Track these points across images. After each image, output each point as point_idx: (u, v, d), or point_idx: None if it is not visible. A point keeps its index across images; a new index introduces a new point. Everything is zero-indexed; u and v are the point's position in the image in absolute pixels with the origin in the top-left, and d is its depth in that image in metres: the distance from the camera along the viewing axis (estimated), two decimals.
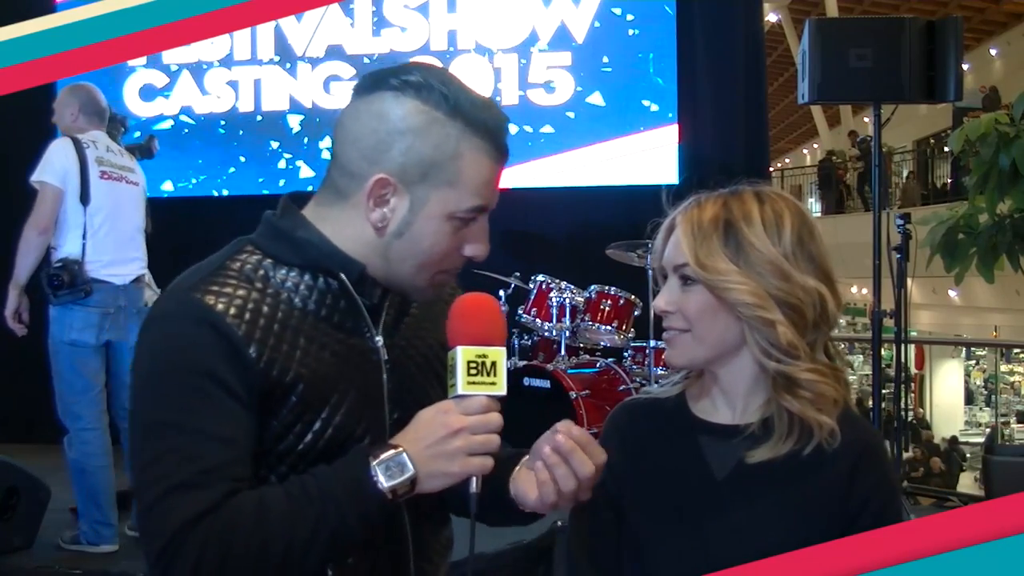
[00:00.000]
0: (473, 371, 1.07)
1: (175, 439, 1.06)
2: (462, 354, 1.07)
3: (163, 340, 1.11)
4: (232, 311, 1.09)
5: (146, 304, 3.54)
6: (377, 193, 1.14)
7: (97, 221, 3.43)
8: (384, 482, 1.06)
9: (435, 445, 1.07)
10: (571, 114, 5.64)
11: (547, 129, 5.62)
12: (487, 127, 1.14)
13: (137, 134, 5.01)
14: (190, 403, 1.06)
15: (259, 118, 5.92)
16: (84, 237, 3.41)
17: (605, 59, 5.63)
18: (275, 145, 5.91)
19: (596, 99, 5.64)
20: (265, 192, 5.86)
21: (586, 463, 1.10)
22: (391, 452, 1.07)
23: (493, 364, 1.08)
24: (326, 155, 5.85)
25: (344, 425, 1.15)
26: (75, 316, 3.39)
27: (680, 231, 1.26)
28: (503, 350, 1.09)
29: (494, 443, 1.08)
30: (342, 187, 1.17)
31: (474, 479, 1.08)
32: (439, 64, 1.34)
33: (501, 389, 1.08)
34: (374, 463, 1.06)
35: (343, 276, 1.16)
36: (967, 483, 10.51)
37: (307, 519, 1.05)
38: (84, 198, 3.41)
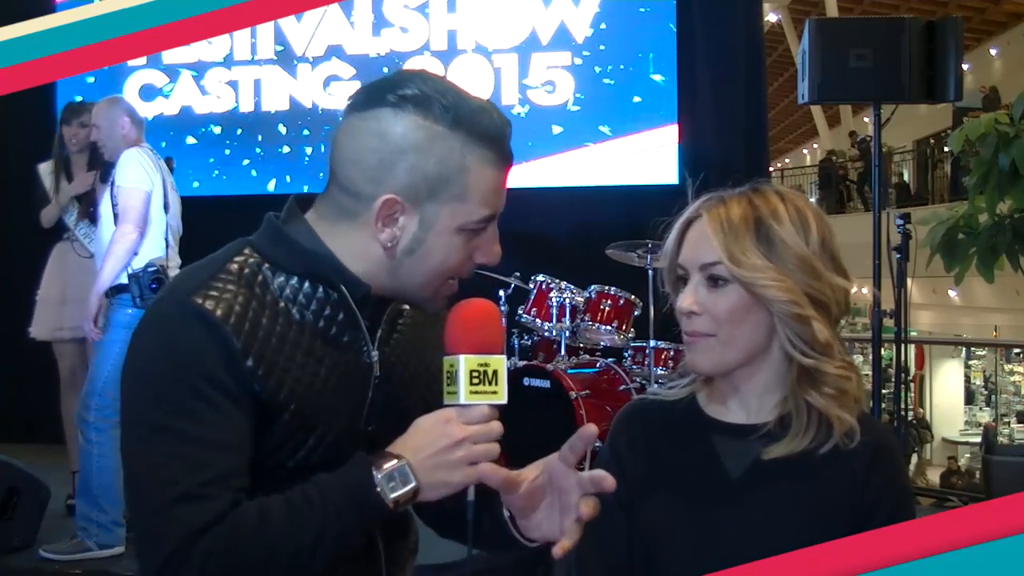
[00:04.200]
0: (475, 380, 1.06)
1: (179, 446, 1.05)
2: (464, 363, 1.06)
3: (163, 342, 1.09)
4: (232, 319, 1.08)
5: None
6: (386, 214, 1.12)
7: (173, 228, 3.53)
8: (388, 493, 1.06)
9: (437, 455, 1.07)
10: (571, 114, 5.64)
11: (547, 129, 5.61)
12: (490, 135, 1.12)
13: None
14: (192, 408, 1.05)
15: (259, 118, 5.92)
16: (167, 243, 3.48)
17: (605, 59, 5.63)
18: (275, 145, 5.91)
19: (596, 99, 5.64)
20: (264, 193, 5.86)
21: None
22: (394, 463, 1.06)
23: (495, 373, 1.07)
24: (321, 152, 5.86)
25: (335, 443, 1.14)
26: None
27: (708, 229, 1.23)
28: (503, 358, 1.08)
29: (495, 452, 1.08)
30: (347, 207, 1.14)
31: (471, 487, 1.08)
32: (439, 65, 1.36)
33: (502, 398, 1.07)
34: (377, 475, 1.06)
35: (346, 292, 1.14)
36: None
37: (310, 529, 1.05)
38: (165, 205, 3.50)
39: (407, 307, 1.25)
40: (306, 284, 1.14)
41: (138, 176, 3.40)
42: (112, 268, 3.36)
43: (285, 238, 1.15)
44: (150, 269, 3.36)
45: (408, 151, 1.10)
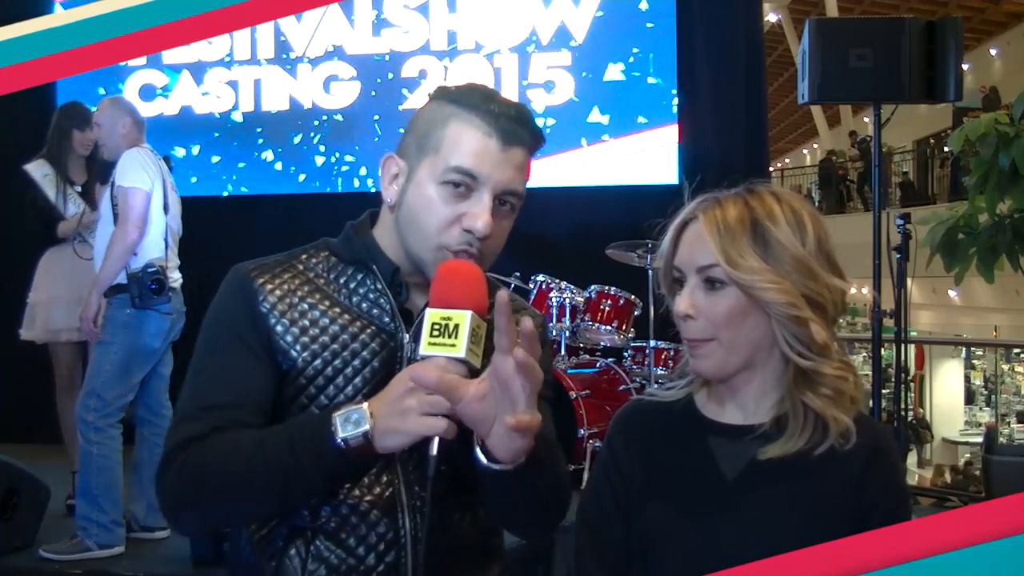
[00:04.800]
0: (436, 333, 1.09)
1: (194, 382, 1.26)
2: (428, 316, 1.10)
3: (215, 304, 1.30)
4: (268, 287, 1.27)
5: None
6: (389, 173, 1.29)
7: (172, 229, 3.54)
8: (340, 431, 1.12)
9: (391, 403, 1.12)
10: (571, 114, 5.64)
11: (547, 129, 5.61)
12: (478, 105, 1.24)
13: None
14: (215, 355, 1.26)
15: (259, 119, 5.91)
16: (166, 244, 3.49)
17: (605, 59, 5.63)
18: (275, 145, 5.91)
19: (596, 99, 5.64)
20: (265, 193, 5.86)
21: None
22: (353, 407, 1.14)
23: (456, 327, 1.09)
24: (321, 158, 5.86)
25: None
26: (151, 322, 3.42)
27: (704, 231, 1.23)
28: (468, 313, 1.09)
29: (446, 404, 1.09)
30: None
31: (434, 442, 1.10)
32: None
33: (459, 351, 1.08)
34: (335, 414, 1.13)
35: (377, 273, 1.29)
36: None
37: (268, 460, 1.16)
38: (165, 206, 3.51)
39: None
40: (359, 274, 1.31)
41: (139, 176, 3.40)
42: (112, 268, 3.36)
43: (350, 236, 1.34)
44: (149, 270, 3.36)
45: (413, 120, 1.30)
